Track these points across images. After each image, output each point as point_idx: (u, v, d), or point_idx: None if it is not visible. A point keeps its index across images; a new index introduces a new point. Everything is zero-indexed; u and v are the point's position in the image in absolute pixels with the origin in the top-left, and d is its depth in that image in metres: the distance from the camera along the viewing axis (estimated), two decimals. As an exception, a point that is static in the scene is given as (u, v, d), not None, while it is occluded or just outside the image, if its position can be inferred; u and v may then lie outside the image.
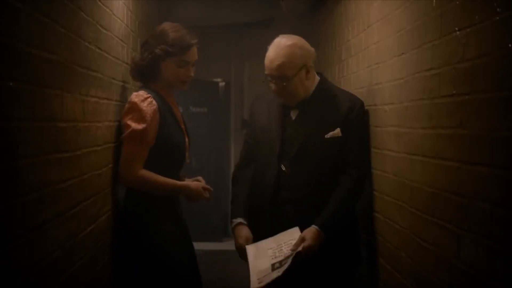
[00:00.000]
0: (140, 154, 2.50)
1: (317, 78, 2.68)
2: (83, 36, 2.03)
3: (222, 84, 6.75)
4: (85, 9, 2.06)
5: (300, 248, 2.35)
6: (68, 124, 1.86)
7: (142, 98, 2.51)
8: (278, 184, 2.63)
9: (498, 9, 1.48)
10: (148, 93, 2.54)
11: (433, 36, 1.93)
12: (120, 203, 2.64)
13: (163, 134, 2.55)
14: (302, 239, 2.41)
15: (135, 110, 2.50)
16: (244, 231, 2.62)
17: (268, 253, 2.45)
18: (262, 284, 2.30)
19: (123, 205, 2.63)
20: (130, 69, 2.69)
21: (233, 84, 6.97)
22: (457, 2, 1.75)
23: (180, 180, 2.70)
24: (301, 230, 2.47)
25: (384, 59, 2.58)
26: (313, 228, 2.45)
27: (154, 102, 2.53)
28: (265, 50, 2.61)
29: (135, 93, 2.56)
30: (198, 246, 2.97)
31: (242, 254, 2.57)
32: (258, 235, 2.60)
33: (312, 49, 2.63)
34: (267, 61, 2.58)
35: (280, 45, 2.57)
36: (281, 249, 2.43)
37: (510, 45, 1.42)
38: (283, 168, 2.63)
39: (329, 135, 2.57)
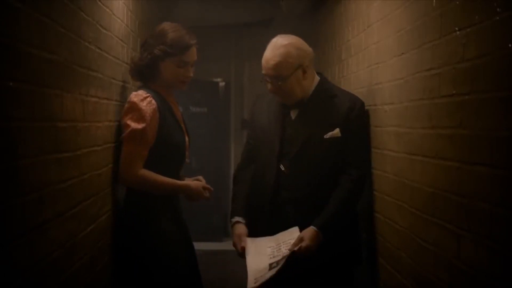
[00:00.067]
0: (140, 153, 2.50)
1: (317, 78, 2.68)
2: (83, 36, 2.03)
3: (222, 84, 6.75)
4: (85, 9, 2.06)
5: (295, 248, 2.36)
6: (68, 124, 1.86)
7: (141, 97, 2.51)
8: (278, 184, 2.63)
9: (498, 9, 1.48)
10: (148, 93, 2.54)
11: (433, 36, 1.93)
12: (120, 203, 2.64)
13: (163, 134, 2.55)
14: (300, 240, 2.41)
15: (134, 110, 2.50)
16: (241, 229, 2.63)
17: (267, 252, 2.45)
18: (258, 283, 2.31)
19: (123, 205, 2.63)
20: (130, 69, 2.69)
21: (233, 84, 6.97)
22: (457, 2, 1.75)
23: (180, 179, 2.70)
24: (301, 230, 2.47)
25: (384, 59, 2.58)
26: (311, 229, 2.45)
27: (153, 101, 2.53)
28: (264, 50, 2.61)
29: (134, 93, 2.56)
30: (198, 246, 2.97)
31: (238, 251, 2.58)
32: (258, 235, 2.60)
33: (309, 49, 2.63)
34: (263, 60, 2.59)
35: (277, 45, 2.57)
36: (280, 248, 2.43)
37: (510, 45, 1.42)
38: (283, 168, 2.63)
39: (328, 135, 2.57)
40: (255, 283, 2.32)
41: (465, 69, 1.68)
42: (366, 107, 2.72)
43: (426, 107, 2.00)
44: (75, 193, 1.94)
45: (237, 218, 2.68)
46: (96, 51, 2.22)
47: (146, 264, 2.51)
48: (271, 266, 2.37)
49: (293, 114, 2.67)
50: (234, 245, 2.62)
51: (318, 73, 2.72)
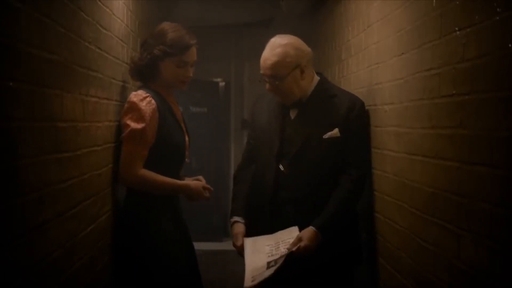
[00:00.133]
0: (140, 153, 2.50)
1: (316, 78, 2.68)
2: (83, 36, 2.03)
3: (222, 84, 6.75)
4: (85, 9, 2.06)
5: (293, 248, 2.36)
6: (68, 124, 1.86)
7: (140, 97, 2.51)
8: (277, 184, 2.63)
9: (498, 9, 1.48)
10: (147, 93, 2.54)
11: (433, 36, 1.93)
12: (120, 203, 2.64)
13: (163, 134, 2.55)
14: (299, 239, 2.41)
15: (134, 110, 2.50)
16: (239, 228, 2.63)
17: (266, 250, 2.46)
18: (255, 282, 2.32)
19: (123, 205, 2.63)
20: (129, 68, 2.69)
21: (233, 84, 6.97)
22: (457, 2, 1.75)
23: (180, 179, 2.70)
24: (301, 230, 2.47)
25: (384, 59, 2.58)
26: (310, 229, 2.45)
27: (153, 101, 2.53)
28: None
29: (133, 93, 2.56)
30: (198, 246, 2.97)
31: (238, 250, 2.59)
32: (258, 235, 2.60)
33: (307, 49, 2.63)
34: (261, 60, 2.60)
35: (274, 45, 2.58)
36: (278, 247, 2.44)
37: (510, 45, 1.42)
38: (282, 168, 2.63)
39: (327, 135, 2.57)
40: (252, 281, 2.33)
41: (465, 69, 1.68)
42: (366, 107, 2.72)
43: (426, 107, 2.00)
44: (75, 193, 1.94)
45: (236, 218, 2.69)
46: (96, 51, 2.22)
47: (146, 264, 2.51)
48: (269, 265, 2.37)
49: (292, 114, 2.67)
50: (234, 245, 2.62)
51: (318, 73, 2.72)
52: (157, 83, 2.64)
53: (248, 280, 2.35)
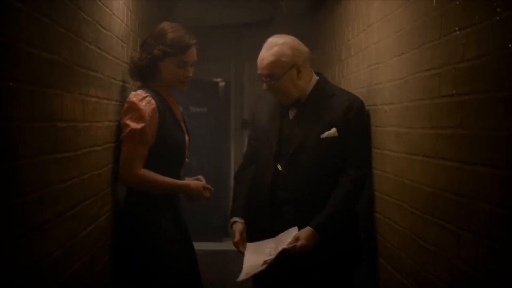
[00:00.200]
0: (140, 153, 2.50)
1: (315, 78, 2.68)
2: (83, 36, 2.03)
3: (222, 84, 6.75)
4: (85, 9, 2.06)
5: (285, 246, 2.36)
6: (68, 124, 1.86)
7: (140, 97, 2.51)
8: (275, 184, 2.63)
9: (498, 9, 1.48)
10: (147, 92, 2.54)
11: (433, 36, 1.93)
12: (120, 203, 2.64)
13: (163, 133, 2.55)
14: (296, 239, 2.42)
15: (133, 110, 2.50)
16: (238, 227, 2.64)
17: (265, 251, 2.47)
18: (248, 276, 2.35)
19: (123, 205, 2.63)
20: (129, 68, 2.69)
21: (233, 84, 6.97)
22: (457, 2, 1.75)
23: (180, 179, 2.70)
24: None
25: (384, 59, 2.58)
26: (307, 229, 2.45)
27: (152, 101, 2.53)
28: (264, 50, 2.62)
29: (133, 93, 2.56)
30: (198, 246, 2.97)
31: (236, 246, 2.61)
32: (258, 235, 2.60)
33: (304, 49, 2.63)
34: (258, 60, 2.62)
35: (271, 44, 2.59)
36: (277, 247, 2.45)
37: (510, 45, 1.42)
38: (280, 168, 2.63)
39: (325, 135, 2.57)
40: (245, 275, 2.35)
41: (465, 69, 1.68)
42: (366, 107, 2.72)
43: (426, 107, 2.00)
44: (75, 193, 1.94)
45: (235, 219, 2.69)
46: (96, 51, 2.22)
47: (146, 264, 2.51)
48: (265, 263, 2.38)
49: (291, 114, 2.67)
50: (233, 242, 2.63)
51: (317, 73, 2.72)
52: (157, 83, 2.64)
53: (241, 275, 2.37)
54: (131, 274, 2.55)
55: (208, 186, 2.72)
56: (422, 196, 2.05)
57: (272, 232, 2.56)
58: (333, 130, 2.56)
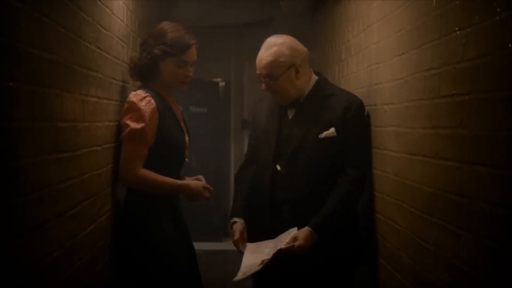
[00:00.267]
0: (140, 153, 2.50)
1: (314, 78, 2.69)
2: (83, 36, 2.03)
3: (222, 84, 6.75)
4: (85, 9, 2.06)
5: (281, 246, 2.37)
6: (68, 124, 1.86)
7: (140, 97, 2.51)
8: (274, 184, 2.63)
9: (498, 9, 1.48)
10: (147, 92, 2.54)
11: (433, 36, 1.93)
12: (120, 203, 2.64)
13: (163, 133, 2.55)
14: (294, 239, 2.42)
15: (133, 110, 2.50)
16: (238, 226, 2.64)
17: (264, 251, 2.47)
18: (245, 276, 2.36)
19: (123, 205, 2.63)
20: (129, 68, 2.69)
21: (233, 84, 6.97)
22: (457, 2, 1.75)
23: (180, 179, 2.70)
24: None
25: (384, 59, 2.58)
26: (306, 229, 2.45)
27: (152, 101, 2.53)
28: (264, 50, 2.62)
29: (133, 93, 2.56)
30: (198, 246, 2.97)
31: (236, 245, 2.62)
32: (258, 235, 2.61)
33: (303, 49, 2.63)
34: (257, 60, 2.62)
35: (269, 44, 2.59)
36: (276, 248, 2.45)
37: (510, 45, 1.42)
38: (279, 168, 2.63)
39: (323, 134, 2.57)
40: (242, 275, 2.35)
41: (465, 69, 1.68)
42: (366, 107, 2.72)
43: (426, 107, 2.00)
44: (75, 193, 1.94)
45: (235, 219, 2.69)
46: (96, 51, 2.22)
47: (146, 264, 2.51)
48: (262, 263, 2.38)
49: (290, 114, 2.67)
50: (232, 241, 2.63)
51: (317, 73, 2.72)
52: (157, 83, 2.64)
53: (239, 274, 2.37)
54: (131, 274, 2.55)
55: (208, 186, 2.72)
56: (422, 196, 2.05)
57: (271, 232, 2.56)
58: (332, 130, 2.56)
